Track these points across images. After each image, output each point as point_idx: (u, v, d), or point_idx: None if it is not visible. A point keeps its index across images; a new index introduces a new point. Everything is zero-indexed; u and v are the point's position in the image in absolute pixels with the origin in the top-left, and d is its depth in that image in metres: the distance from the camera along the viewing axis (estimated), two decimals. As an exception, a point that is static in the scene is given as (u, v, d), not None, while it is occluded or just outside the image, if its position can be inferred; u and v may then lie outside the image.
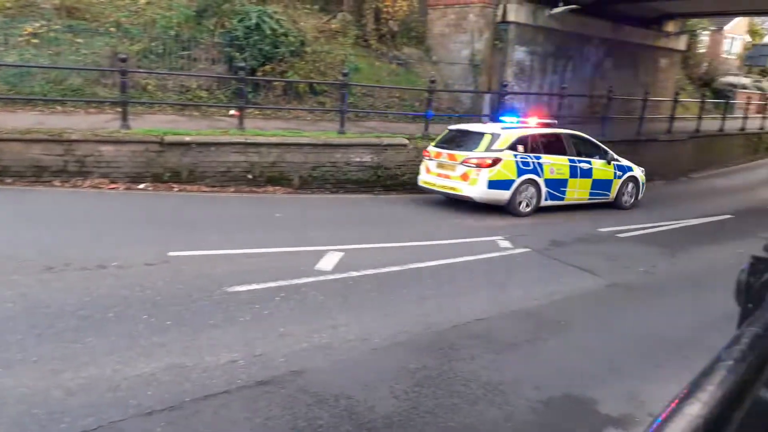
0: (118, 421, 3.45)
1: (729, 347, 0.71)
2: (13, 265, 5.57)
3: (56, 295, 5.05)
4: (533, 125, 10.92)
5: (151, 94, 12.17)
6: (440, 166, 10.25)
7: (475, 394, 4.13)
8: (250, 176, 10.40)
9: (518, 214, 10.05)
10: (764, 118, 22.62)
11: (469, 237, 8.39)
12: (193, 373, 4.03)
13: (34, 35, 11.67)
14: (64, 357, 4.06)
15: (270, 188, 10.51)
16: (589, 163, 11.04)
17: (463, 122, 12.65)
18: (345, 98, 12.00)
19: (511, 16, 15.80)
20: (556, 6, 15.95)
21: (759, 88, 29.92)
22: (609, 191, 11.48)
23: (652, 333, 5.61)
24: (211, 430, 3.52)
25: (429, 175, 10.50)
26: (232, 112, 12.17)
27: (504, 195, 9.92)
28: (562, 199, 10.70)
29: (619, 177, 11.56)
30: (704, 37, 30.00)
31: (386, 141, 11.65)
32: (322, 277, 6.09)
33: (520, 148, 10.11)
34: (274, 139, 10.61)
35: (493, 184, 9.76)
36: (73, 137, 9.21)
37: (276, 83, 13.30)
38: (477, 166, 9.73)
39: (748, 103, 22.22)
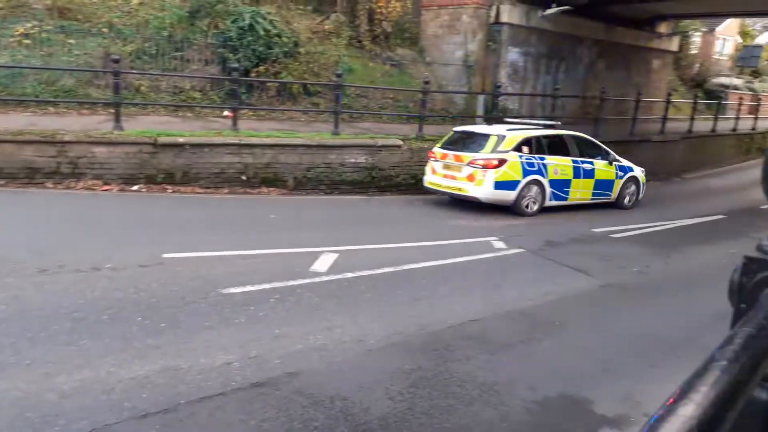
0: (112, 424, 3.43)
1: (722, 348, 0.72)
2: (6, 268, 5.54)
3: (50, 297, 5.03)
4: (537, 126, 11.11)
5: (144, 95, 12.12)
6: (446, 167, 10.39)
7: (471, 394, 4.13)
8: (244, 177, 10.39)
9: (523, 214, 10.23)
10: (756, 118, 22.77)
11: (464, 238, 8.40)
12: (188, 376, 4.02)
13: (26, 36, 11.60)
14: (57, 360, 4.04)
15: (264, 189, 10.49)
16: (591, 163, 11.21)
17: (457, 123, 12.68)
18: (339, 99, 12.00)
19: (505, 17, 15.84)
20: (549, 7, 16.01)
21: (750, 89, 30.10)
22: (611, 191, 11.64)
23: (646, 333, 5.63)
24: (206, 432, 3.52)
25: (435, 176, 10.62)
26: (225, 113, 12.14)
27: (510, 195, 10.08)
28: (565, 199, 10.87)
29: (621, 177, 11.73)
30: (696, 39, 30.17)
31: (380, 142, 11.66)
32: (317, 279, 6.09)
33: (525, 149, 10.29)
34: (268, 140, 10.60)
35: (499, 185, 9.92)
36: (66, 138, 9.17)
37: (270, 84, 13.28)
38: (483, 167, 9.89)
39: (739, 104, 22.35)
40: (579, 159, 11.04)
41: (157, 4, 13.62)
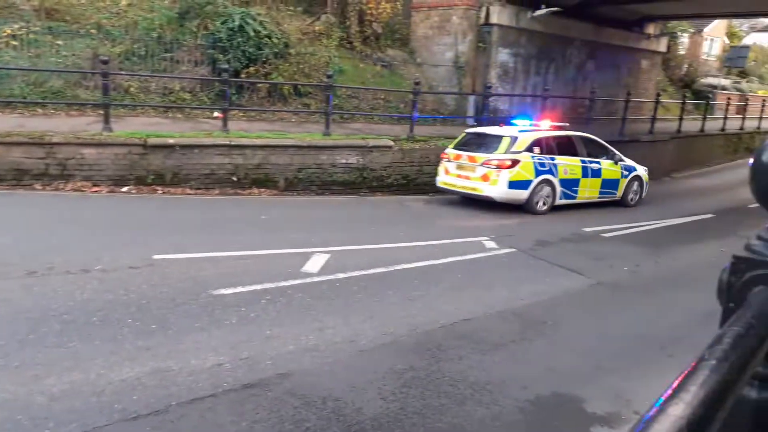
0: (102, 427, 3.41)
1: (711, 347, 0.72)
2: (-7, 270, 5.49)
3: (39, 299, 4.98)
4: (546, 128, 11.30)
5: (134, 97, 12.05)
6: (460, 167, 10.65)
7: (463, 394, 4.14)
8: (234, 178, 10.35)
9: (535, 213, 10.54)
10: (743, 118, 22.98)
11: (455, 238, 8.41)
12: (178, 377, 3.99)
13: (13, 37, 11.51)
14: (47, 362, 4.00)
15: (255, 190, 10.46)
16: (598, 163, 11.59)
17: (448, 124, 12.72)
18: (330, 100, 11.99)
19: (494, 19, 15.90)
20: (539, 8, 16.08)
21: (738, 89, 30.38)
22: (616, 190, 12.02)
23: (637, 332, 5.67)
24: (197, 434, 3.50)
25: (448, 177, 10.86)
26: (216, 114, 12.10)
27: (522, 195, 10.40)
28: (574, 198, 11.21)
29: (626, 176, 12.11)
30: (684, 39, 30.42)
31: (372, 143, 11.66)
32: (308, 279, 6.08)
33: (537, 149, 10.60)
34: (258, 141, 10.57)
35: (512, 185, 10.23)
36: (55, 140, 9.09)
37: (260, 85, 13.24)
38: (497, 168, 10.19)
39: (727, 104, 22.55)
40: (587, 159, 11.40)
41: (146, 5, 13.55)
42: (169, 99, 12.36)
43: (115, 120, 10.26)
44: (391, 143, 11.86)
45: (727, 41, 35.73)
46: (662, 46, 22.58)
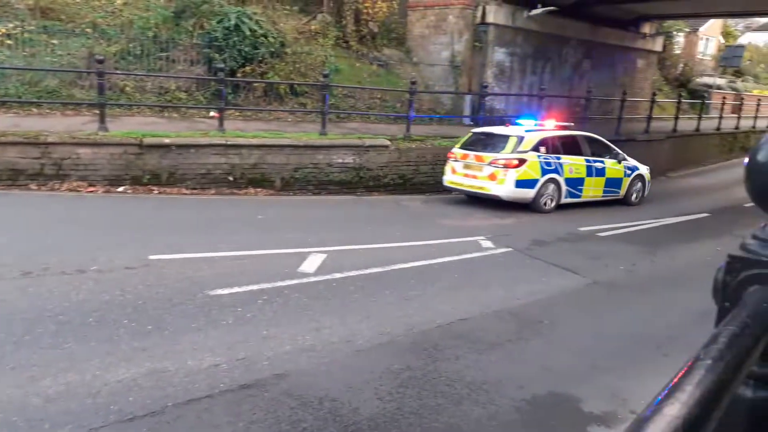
0: (98, 428, 3.40)
1: (707, 346, 0.72)
2: (-12, 271, 5.46)
3: (34, 300, 4.96)
4: (551, 128, 11.45)
5: (130, 96, 12.02)
6: (467, 167, 10.77)
7: (460, 393, 4.14)
8: (231, 178, 10.33)
9: (542, 211, 10.70)
10: (739, 118, 23.06)
11: (452, 237, 8.42)
12: (175, 378, 3.98)
13: (8, 36, 11.46)
14: (42, 363, 3.99)
15: (251, 190, 10.45)
16: (602, 162, 11.78)
17: (444, 123, 12.73)
18: (326, 99, 11.98)
19: (490, 18, 15.91)
20: (535, 8, 16.09)
21: (733, 89, 30.48)
22: (620, 189, 12.22)
23: (633, 331, 5.68)
24: (194, 435, 3.49)
25: (455, 176, 10.97)
26: (212, 113, 12.07)
27: (529, 193, 10.57)
28: (579, 196, 11.38)
29: (629, 175, 12.33)
30: (680, 39, 30.49)
31: (368, 142, 11.65)
32: (305, 279, 6.07)
33: (543, 149, 10.77)
34: (254, 141, 10.55)
35: (519, 184, 10.40)
36: (50, 140, 9.06)
37: (256, 84, 13.22)
38: (505, 167, 10.35)
39: (723, 104, 22.63)
40: (591, 158, 11.58)
41: (142, 4, 13.52)
42: (165, 98, 12.33)
43: (111, 119, 10.23)
44: (388, 143, 11.86)
45: (722, 40, 35.85)
46: (658, 45, 22.64)
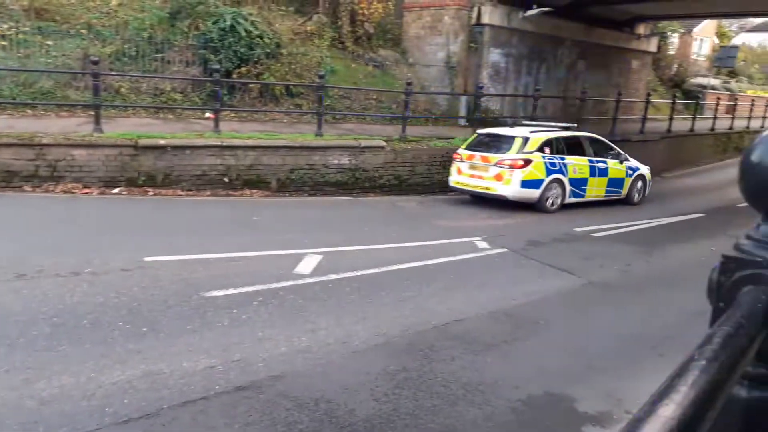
0: (93, 430, 3.39)
1: (701, 347, 0.72)
2: (-18, 273, 5.44)
3: (28, 302, 4.94)
4: (553, 128, 11.66)
5: (125, 97, 11.99)
6: (472, 167, 10.91)
7: (455, 394, 4.15)
8: (226, 179, 10.31)
9: (546, 211, 10.86)
10: (733, 118, 23.14)
11: (447, 238, 8.42)
12: (170, 380, 3.97)
13: (2, 37, 11.42)
14: (37, 366, 3.97)
15: (247, 191, 10.43)
16: (605, 162, 11.96)
17: (440, 124, 12.75)
18: (322, 100, 11.98)
19: (486, 19, 15.93)
20: (530, 8, 16.12)
21: (727, 89, 30.61)
22: (621, 188, 12.40)
23: (628, 331, 5.70)
24: (189, 437, 3.48)
25: (461, 176, 11.11)
26: (207, 114, 12.05)
27: (534, 193, 10.73)
28: (582, 196, 11.55)
29: (630, 175, 12.51)
30: (674, 40, 30.62)
31: (364, 143, 11.65)
32: (300, 281, 6.06)
33: (547, 150, 10.91)
34: (250, 142, 10.53)
35: (525, 184, 10.56)
36: (44, 141, 9.03)
37: (252, 85, 13.21)
38: (510, 167, 10.50)
39: (717, 104, 22.71)
40: (594, 158, 11.75)
41: (137, 5, 13.49)
42: (161, 99, 12.30)
43: (106, 121, 10.20)
44: (384, 144, 11.86)
45: (716, 41, 36.00)
46: (652, 46, 22.71)
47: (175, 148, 9.84)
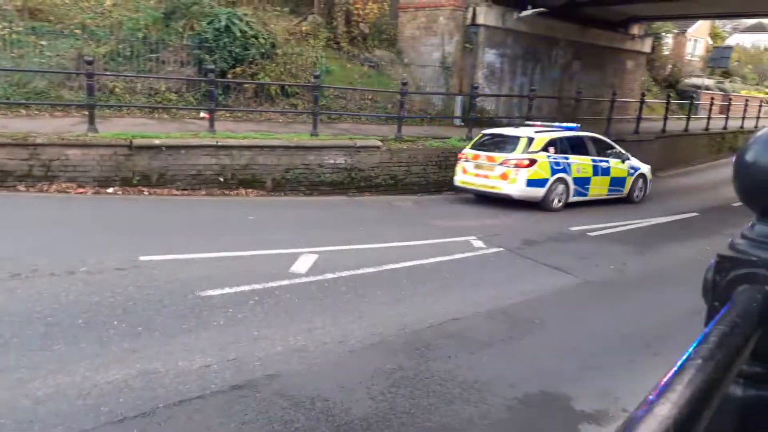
0: (89, 430, 3.37)
1: (697, 346, 0.73)
2: (-24, 273, 5.41)
3: (23, 302, 4.92)
4: (553, 129, 11.80)
5: (119, 97, 11.95)
6: (478, 167, 11.06)
7: (452, 393, 4.15)
8: (221, 179, 10.30)
9: (551, 210, 11.02)
10: (727, 118, 23.25)
11: (443, 237, 8.43)
12: (165, 379, 3.96)
13: (-4, 37, 11.38)
14: (31, 365, 3.95)
15: (242, 191, 10.41)
16: (607, 162, 12.14)
17: (435, 124, 12.75)
18: (317, 100, 11.97)
19: (481, 19, 15.96)
20: (525, 9, 16.16)
21: (721, 89, 30.75)
22: (623, 187, 12.58)
23: (623, 330, 5.71)
24: (185, 436, 3.47)
25: (466, 176, 11.24)
26: (202, 114, 12.03)
27: (539, 192, 10.89)
28: (585, 195, 11.71)
29: (632, 174, 12.69)
30: (668, 40, 30.73)
31: (359, 143, 11.65)
32: (296, 280, 6.06)
33: (552, 149, 11.06)
34: (245, 142, 10.52)
35: (530, 183, 10.74)
36: (39, 141, 8.99)
37: (247, 85, 13.19)
38: (516, 167, 10.68)
39: (711, 104, 22.82)
40: (597, 158, 11.91)
41: (131, 5, 13.45)
42: (155, 99, 12.28)
43: (100, 121, 10.17)
44: (379, 143, 11.86)
45: (710, 42, 36.15)
46: (647, 46, 22.79)
47: (170, 147, 9.81)
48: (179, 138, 10.13)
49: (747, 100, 25.73)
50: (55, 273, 5.60)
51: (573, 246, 8.78)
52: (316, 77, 11.95)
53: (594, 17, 18.77)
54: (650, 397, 0.61)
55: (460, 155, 11.45)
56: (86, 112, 10.05)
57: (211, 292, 5.48)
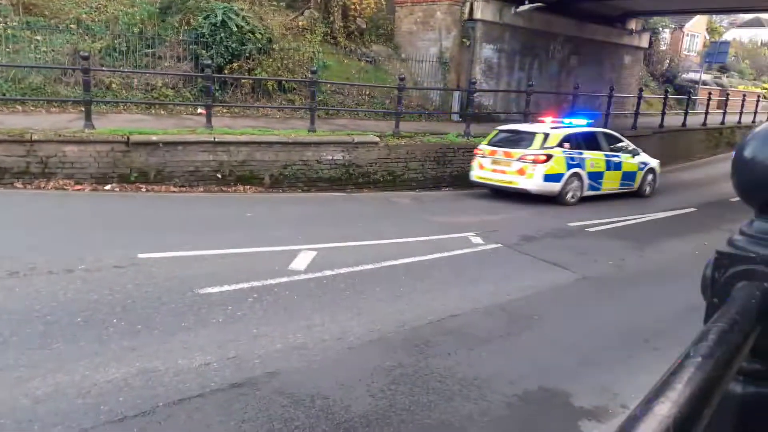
0: (89, 429, 3.37)
1: (696, 344, 0.73)
2: (-26, 271, 5.39)
3: (21, 300, 4.91)
4: (557, 124, 11.96)
5: (116, 93, 11.91)
6: (495, 162, 11.27)
7: (451, 390, 4.15)
8: (219, 175, 10.27)
9: (566, 204, 11.23)
10: (724, 113, 23.28)
11: (442, 234, 8.43)
12: (165, 377, 3.96)
13: (-9, 33, 11.32)
14: (30, 364, 3.94)
15: (240, 187, 10.39)
16: (618, 157, 12.41)
17: (433, 119, 12.73)
18: (314, 96, 11.94)
19: (478, 14, 15.93)
20: (522, 4, 16.13)
21: (719, 85, 30.77)
22: (634, 182, 12.84)
23: (622, 325, 5.73)
24: (185, 434, 3.47)
25: (483, 171, 11.44)
26: (199, 110, 12.00)
27: (555, 187, 11.12)
28: (599, 189, 11.95)
29: (642, 169, 12.98)
30: (665, 35, 30.73)
31: (357, 138, 11.63)
32: (295, 277, 6.05)
33: (567, 145, 11.27)
34: (243, 138, 10.49)
35: (547, 178, 10.97)
36: (35, 137, 8.95)
37: (244, 81, 13.15)
38: (533, 162, 10.90)
39: (708, 99, 22.83)
40: (609, 153, 12.14)
41: (127, 0, 13.38)
42: (152, 95, 12.24)
43: (97, 117, 10.13)
44: (377, 139, 11.84)
45: (707, 37, 36.15)
46: (644, 41, 22.79)
47: (167, 144, 9.78)
48: (176, 134, 10.09)
49: (744, 95, 25.75)
50: (54, 271, 5.59)
51: (571, 242, 8.79)
52: (313, 72, 11.92)
53: (591, 12, 18.75)
54: (650, 396, 0.61)
55: (476, 151, 11.64)
56: (82, 108, 10.01)
57: (210, 290, 5.47)
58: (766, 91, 33.10)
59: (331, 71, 14.76)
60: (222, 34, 12.71)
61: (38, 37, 11.85)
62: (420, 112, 15.60)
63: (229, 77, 12.87)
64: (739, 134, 22.59)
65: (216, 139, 10.20)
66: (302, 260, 6.53)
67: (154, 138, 9.71)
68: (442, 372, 4.39)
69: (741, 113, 24.36)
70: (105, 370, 3.96)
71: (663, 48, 29.91)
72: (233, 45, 12.82)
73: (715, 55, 27.64)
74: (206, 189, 10.06)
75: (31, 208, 8.08)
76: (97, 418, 3.46)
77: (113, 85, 11.96)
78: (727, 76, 33.88)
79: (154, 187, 9.63)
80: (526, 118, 14.34)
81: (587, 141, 11.87)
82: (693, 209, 11.96)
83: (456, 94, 16.09)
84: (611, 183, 12.23)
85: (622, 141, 12.92)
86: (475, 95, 14.87)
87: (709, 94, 24.11)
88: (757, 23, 44.31)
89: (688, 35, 34.24)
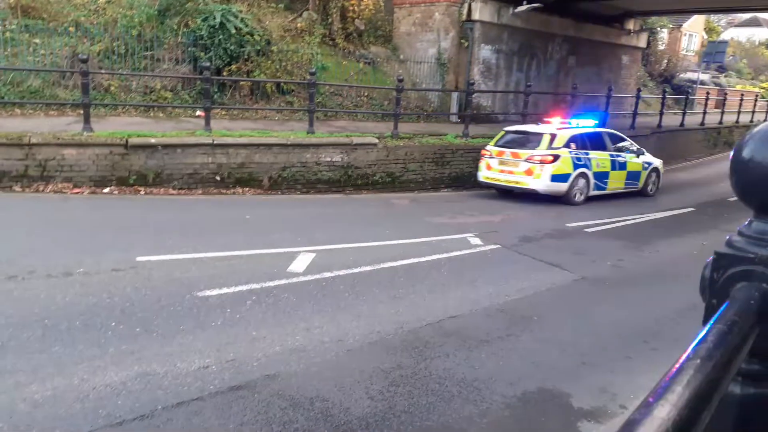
0: (87, 433, 3.37)
1: (696, 345, 0.72)
2: (-28, 275, 5.39)
3: (20, 304, 4.90)
4: (564, 124, 12.12)
5: (114, 96, 11.91)
6: (502, 163, 11.42)
7: (451, 391, 4.15)
8: (218, 178, 10.27)
9: (573, 204, 11.39)
10: (722, 113, 23.30)
11: (440, 235, 8.43)
12: (164, 381, 3.96)
13: (-10, 36, 11.31)
14: (29, 368, 3.94)
15: (239, 190, 10.39)
16: (623, 157, 12.62)
17: (431, 121, 12.73)
18: (313, 98, 11.94)
19: (476, 15, 15.95)
20: (520, 4, 16.15)
21: (717, 84, 30.80)
22: (638, 181, 13.04)
23: (621, 326, 5.72)
24: (184, 438, 3.47)
25: (490, 172, 11.59)
26: (198, 112, 11.99)
27: (563, 187, 11.28)
28: (604, 189, 12.12)
29: (646, 169, 13.18)
30: (663, 35, 30.76)
31: (356, 140, 11.63)
32: (294, 279, 6.05)
33: (573, 145, 11.41)
34: (242, 140, 10.49)
35: (554, 178, 11.14)
36: (34, 141, 8.95)
37: (242, 83, 13.15)
38: (541, 162, 11.05)
39: (706, 99, 22.84)
40: (614, 153, 12.31)
41: (126, 2, 13.38)
42: (151, 98, 12.23)
43: (96, 120, 10.12)
44: (376, 141, 11.85)
45: (705, 37, 36.18)
46: (642, 41, 22.81)
47: (165, 146, 9.78)
48: (175, 137, 10.09)
49: (742, 95, 25.76)
50: (52, 275, 5.58)
51: (570, 242, 8.79)
52: (312, 74, 11.92)
53: (589, 12, 18.78)
54: (650, 398, 0.61)
55: (483, 152, 11.75)
56: (81, 111, 10.01)
57: (208, 293, 5.47)
58: (763, 90, 33.14)
59: (330, 73, 14.76)
60: (220, 37, 12.71)
61: (37, 40, 11.84)
62: (418, 114, 15.61)
63: (228, 79, 12.87)
64: (737, 134, 22.61)
65: (215, 142, 10.20)
66: (301, 262, 6.53)
67: (152, 140, 9.71)
68: (441, 373, 4.38)
69: (739, 113, 24.38)
70: (104, 374, 3.96)
71: (661, 48, 29.94)
72: (232, 47, 12.82)
73: (713, 55, 27.68)
74: (205, 191, 10.06)
75: (30, 212, 8.08)
76: (95, 422, 3.45)
77: (112, 88, 11.96)
78: (725, 76, 33.91)
79: (152, 190, 9.63)
80: (525, 118, 14.35)
81: (593, 141, 12.01)
82: (691, 209, 11.97)
83: (454, 95, 16.10)
84: (616, 182, 12.38)
85: (626, 141, 13.06)
86: (473, 96, 14.88)
87: (707, 93, 24.16)
88: (755, 22, 44.37)
89: (686, 35, 34.28)
